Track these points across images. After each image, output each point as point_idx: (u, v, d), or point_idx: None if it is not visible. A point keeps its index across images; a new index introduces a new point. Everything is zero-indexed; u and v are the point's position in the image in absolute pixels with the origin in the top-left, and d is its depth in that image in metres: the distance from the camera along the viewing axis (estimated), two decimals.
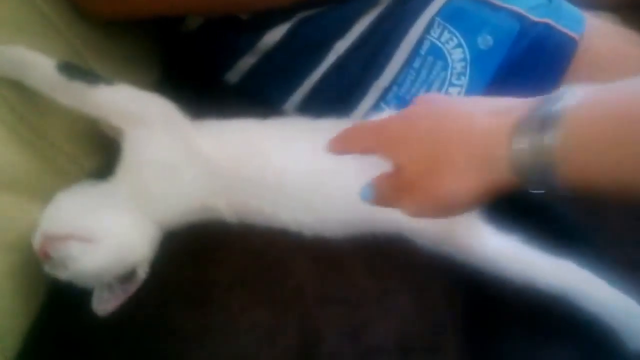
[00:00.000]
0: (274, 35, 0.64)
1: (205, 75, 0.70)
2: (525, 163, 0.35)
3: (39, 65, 0.48)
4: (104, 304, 0.47)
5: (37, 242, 0.46)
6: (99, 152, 0.57)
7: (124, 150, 0.51)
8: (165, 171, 0.51)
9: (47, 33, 0.56)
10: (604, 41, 0.65)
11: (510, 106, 0.37)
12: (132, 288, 0.48)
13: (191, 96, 0.60)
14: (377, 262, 0.51)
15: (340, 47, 0.64)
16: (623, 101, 0.33)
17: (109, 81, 0.50)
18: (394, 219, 0.48)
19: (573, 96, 0.35)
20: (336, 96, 0.65)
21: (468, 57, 0.62)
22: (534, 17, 0.63)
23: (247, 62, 0.67)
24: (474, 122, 0.38)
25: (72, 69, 0.49)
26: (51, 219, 0.48)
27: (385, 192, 0.42)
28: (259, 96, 0.68)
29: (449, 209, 0.39)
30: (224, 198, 0.52)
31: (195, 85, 0.68)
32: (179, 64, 0.74)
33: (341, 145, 0.45)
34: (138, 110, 0.51)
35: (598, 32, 0.66)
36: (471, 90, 0.62)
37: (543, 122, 0.34)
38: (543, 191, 0.35)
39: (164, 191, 0.51)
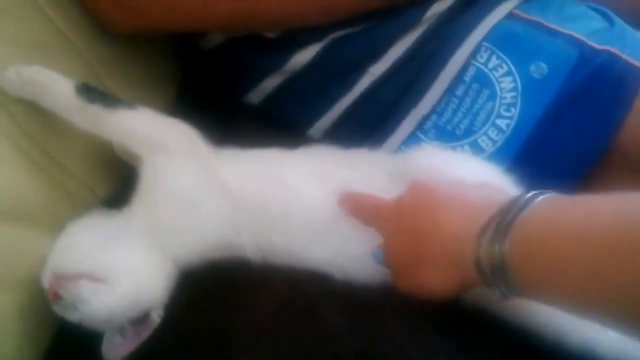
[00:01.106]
0: (304, 56, 0.68)
1: (225, 94, 0.74)
2: (484, 267, 0.43)
3: (56, 87, 0.53)
4: (114, 349, 0.51)
5: (46, 281, 0.50)
6: (113, 178, 0.62)
7: (141, 178, 0.55)
8: (184, 203, 0.55)
9: (64, 50, 0.61)
10: None
11: (484, 209, 0.45)
12: (145, 333, 0.51)
13: (209, 116, 0.65)
14: (416, 312, 0.53)
15: (376, 70, 0.67)
16: (580, 220, 0.40)
17: (128, 105, 0.54)
18: None
19: (534, 205, 0.43)
20: (368, 124, 0.68)
21: (519, 86, 0.65)
22: (595, 44, 0.66)
23: (271, 83, 0.71)
24: (451, 222, 0.47)
25: (91, 91, 0.53)
26: (61, 254, 0.51)
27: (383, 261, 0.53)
28: (282, 120, 0.72)
29: (429, 295, 0.49)
30: (247, 234, 0.55)
31: (214, 105, 0.73)
32: (198, 81, 0.79)
33: (347, 207, 0.55)
34: (158, 137, 0.55)
35: None
36: (521, 124, 0.65)
37: (499, 231, 0.43)
38: (506, 294, 0.43)
39: (182, 224, 0.55)
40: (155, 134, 0.55)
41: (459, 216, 0.47)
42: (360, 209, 0.55)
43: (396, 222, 0.51)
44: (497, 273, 0.42)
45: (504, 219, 0.43)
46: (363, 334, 0.52)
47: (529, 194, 0.44)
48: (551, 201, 0.44)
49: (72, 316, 0.49)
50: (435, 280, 0.48)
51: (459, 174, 0.55)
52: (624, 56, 0.65)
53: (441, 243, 0.47)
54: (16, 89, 0.53)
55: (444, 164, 0.57)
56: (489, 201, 0.46)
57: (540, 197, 0.44)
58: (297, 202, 0.56)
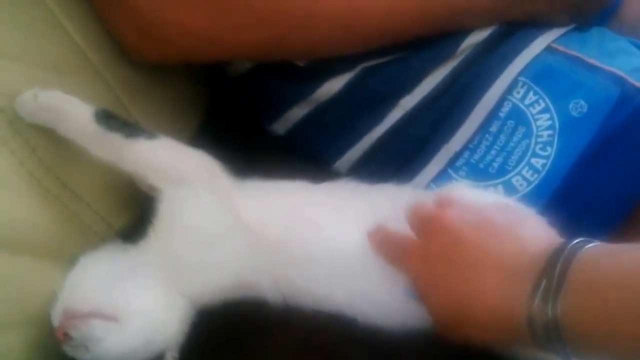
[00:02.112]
0: (333, 86, 0.66)
1: (251, 122, 0.73)
2: (538, 329, 0.42)
3: (75, 112, 0.51)
4: None
5: (56, 319, 0.47)
6: (129, 209, 0.60)
7: (159, 211, 0.53)
8: (202, 240, 0.53)
9: (84, 72, 0.60)
10: None
11: (526, 264, 0.44)
12: None
13: (234, 144, 0.64)
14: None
15: (407, 103, 0.65)
16: (634, 273, 0.40)
17: (149, 134, 0.52)
18: None
19: (581, 257, 0.42)
20: (397, 158, 0.66)
21: (556, 124, 0.63)
22: (636, 82, 0.63)
23: (298, 112, 0.69)
24: (492, 285, 0.45)
25: (110, 119, 0.51)
26: (73, 291, 0.49)
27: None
28: (308, 151, 0.70)
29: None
30: (267, 274, 0.53)
31: (239, 133, 0.72)
32: (223, 108, 0.77)
33: (375, 243, 0.53)
34: (179, 170, 0.53)
35: None
36: (558, 164, 0.62)
37: (549, 290, 0.41)
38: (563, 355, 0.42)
39: (199, 262, 0.52)
40: (176, 166, 0.53)
41: (503, 276, 0.45)
42: (389, 246, 0.52)
43: (424, 266, 0.49)
44: (552, 334, 0.41)
45: (552, 276, 0.41)
46: None
47: (573, 244, 0.43)
48: (598, 252, 0.42)
49: (83, 356, 0.48)
50: (484, 340, 0.47)
51: None
52: None
53: (486, 306, 0.45)
54: (32, 113, 0.51)
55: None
56: (533, 254, 0.44)
57: (587, 247, 0.42)
58: (320, 241, 0.53)
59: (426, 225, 0.51)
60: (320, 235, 0.54)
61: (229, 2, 0.59)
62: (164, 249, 0.53)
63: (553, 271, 0.42)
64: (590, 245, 0.43)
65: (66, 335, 0.46)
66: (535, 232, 0.49)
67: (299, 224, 0.54)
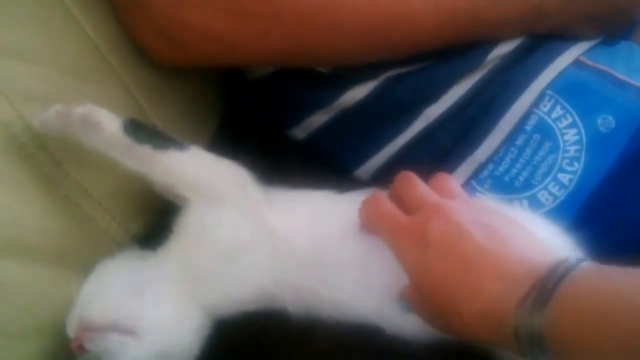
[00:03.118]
0: (357, 93, 0.65)
1: (269, 126, 0.71)
2: (522, 339, 0.42)
3: (103, 124, 0.49)
4: None
5: (72, 330, 0.46)
6: (146, 214, 0.58)
7: (185, 222, 0.52)
8: (229, 253, 0.51)
9: (103, 74, 0.59)
10: None
11: (526, 274, 0.44)
12: None
13: (252, 148, 0.62)
14: None
15: (432, 113, 0.64)
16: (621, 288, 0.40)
17: (179, 144, 0.51)
18: None
19: (575, 275, 0.42)
20: (420, 168, 0.63)
21: (584, 139, 0.62)
22: None
23: (319, 119, 0.68)
24: (492, 289, 0.45)
25: (138, 130, 0.50)
26: (89, 301, 0.48)
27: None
28: (329, 157, 0.69)
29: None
30: (291, 286, 0.51)
31: (257, 137, 0.70)
32: (241, 111, 0.76)
33: (366, 211, 0.53)
34: (211, 182, 0.52)
35: None
36: (585, 179, 0.61)
37: (537, 302, 0.42)
38: None
39: (224, 274, 0.51)
40: (206, 179, 0.52)
41: (500, 280, 0.45)
42: (381, 217, 0.52)
43: (418, 247, 0.48)
44: (535, 344, 0.42)
45: (544, 289, 0.42)
46: None
47: (572, 261, 0.43)
48: (594, 270, 0.43)
49: None
50: (464, 334, 0.47)
51: None
52: None
53: (477, 305, 0.45)
54: (56, 127, 0.49)
55: None
56: (531, 264, 0.45)
57: (584, 264, 0.43)
58: (344, 252, 0.52)
59: (426, 206, 0.50)
60: (345, 246, 0.53)
61: (253, 7, 0.57)
62: (187, 260, 0.51)
63: (545, 283, 0.42)
64: (588, 263, 0.43)
65: (82, 348, 0.45)
66: (535, 244, 0.49)
67: (325, 236, 0.53)
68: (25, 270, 0.47)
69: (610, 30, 0.68)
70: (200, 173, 0.52)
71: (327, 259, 0.52)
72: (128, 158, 0.50)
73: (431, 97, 0.64)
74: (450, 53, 0.64)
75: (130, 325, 0.47)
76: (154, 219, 0.58)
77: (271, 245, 0.52)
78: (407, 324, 0.50)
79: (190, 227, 0.51)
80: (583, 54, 0.65)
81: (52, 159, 0.51)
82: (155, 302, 0.49)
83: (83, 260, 0.51)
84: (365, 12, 0.59)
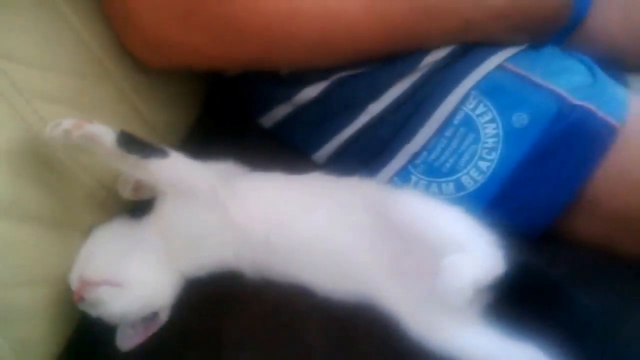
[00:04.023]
0: (311, 92, 0.75)
1: (242, 116, 0.82)
2: None
3: (100, 138, 0.59)
4: (127, 341, 0.60)
5: (74, 284, 0.59)
6: None
7: (161, 207, 0.64)
8: (195, 236, 0.63)
9: (101, 77, 0.70)
10: None
11: None
12: (153, 329, 0.61)
13: (228, 134, 0.73)
14: (385, 334, 0.59)
15: (374, 109, 0.73)
16: None
17: (161, 153, 0.62)
18: (389, 300, 0.60)
19: None
20: (365, 154, 0.74)
21: (501, 133, 0.70)
22: (574, 100, 0.70)
23: (281, 111, 0.78)
24: None
25: (129, 142, 0.60)
26: (87, 261, 0.61)
27: None
28: (291, 143, 0.79)
29: None
30: (248, 259, 0.63)
31: (232, 125, 0.81)
32: (218, 104, 0.87)
33: None
34: (184, 184, 0.63)
35: None
36: (500, 167, 0.70)
37: None
38: None
39: (191, 250, 0.64)
40: (181, 180, 0.63)
41: None
42: None
43: None
44: None
45: None
46: (337, 352, 0.60)
47: None
48: None
49: (93, 313, 0.59)
50: None
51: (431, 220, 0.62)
52: (600, 113, 0.69)
53: None
54: (61, 141, 0.58)
55: (419, 208, 0.63)
56: None
57: None
58: (292, 233, 0.63)
59: None
60: (294, 229, 0.64)
61: (223, 25, 0.68)
62: (163, 237, 0.63)
63: None
64: None
65: (81, 298, 0.58)
66: None
67: (277, 220, 0.64)
68: (35, 233, 0.60)
69: (536, 38, 0.77)
70: (177, 176, 0.63)
71: (278, 239, 0.63)
72: (120, 164, 0.61)
73: (374, 96, 0.73)
74: (390, 59, 0.73)
75: (118, 280, 0.59)
76: None
77: (232, 231, 0.63)
78: (343, 289, 0.61)
79: (166, 212, 0.63)
80: (506, 59, 0.73)
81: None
82: (139, 264, 0.62)
83: (83, 226, 0.63)
84: (313, 32, 0.69)
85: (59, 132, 0.57)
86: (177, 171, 0.63)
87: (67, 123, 0.57)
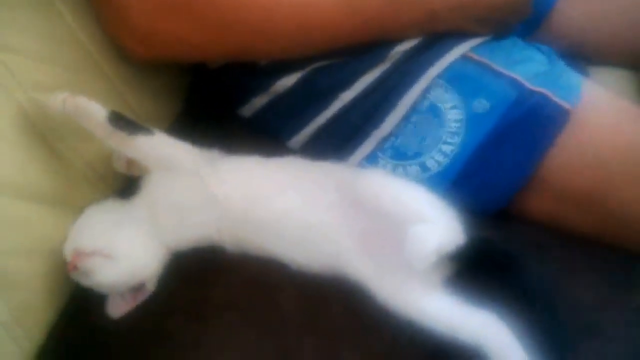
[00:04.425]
0: (287, 81, 0.81)
1: (223, 106, 0.87)
2: None
3: (94, 114, 0.65)
4: (116, 309, 0.65)
5: (67, 254, 0.64)
6: (125, 176, 0.76)
7: (148, 184, 0.69)
8: (180, 210, 0.69)
9: (91, 69, 0.76)
10: (600, 113, 0.77)
11: None
12: (141, 298, 0.66)
13: (210, 123, 0.78)
14: (356, 302, 0.64)
15: (345, 97, 0.79)
16: None
17: (147, 131, 0.68)
18: (359, 272, 0.65)
19: None
20: (337, 140, 0.80)
21: (463, 118, 0.76)
22: (531, 86, 0.75)
23: (260, 100, 0.84)
24: None
25: (118, 120, 0.66)
26: (80, 233, 0.66)
27: None
28: (268, 131, 0.85)
29: None
30: (228, 234, 0.69)
31: (214, 115, 0.86)
32: (202, 95, 0.93)
33: None
34: (168, 159, 0.69)
35: (596, 103, 0.78)
36: (462, 150, 0.75)
37: None
38: None
39: (177, 225, 0.69)
40: (165, 157, 0.69)
41: None
42: None
43: None
44: None
45: None
46: (311, 315, 0.65)
47: None
48: None
49: (85, 282, 0.64)
50: None
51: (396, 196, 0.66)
52: (555, 98, 0.75)
53: None
54: (59, 111, 0.65)
55: (385, 186, 0.68)
56: None
57: None
58: (269, 210, 0.68)
59: None
60: (270, 206, 0.69)
61: (210, 21, 0.74)
62: (150, 212, 0.69)
63: None
64: None
65: (75, 268, 0.63)
66: None
67: (255, 197, 0.69)
68: (34, 209, 0.66)
69: (500, 30, 0.82)
70: (161, 152, 0.68)
71: (255, 216, 0.68)
72: (109, 140, 0.67)
73: (345, 85, 0.79)
74: (361, 50, 0.78)
75: (109, 252, 0.64)
76: (130, 180, 0.74)
77: (213, 207, 0.68)
78: (316, 262, 0.66)
79: (153, 190, 0.69)
80: (470, 49, 0.79)
81: (54, 130, 0.69)
82: (128, 237, 0.67)
83: (76, 206, 0.69)
84: (290, 26, 0.75)
85: (58, 101, 0.64)
86: (162, 147, 0.69)
87: (67, 94, 0.64)
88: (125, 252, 0.65)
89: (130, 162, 0.72)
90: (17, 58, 0.67)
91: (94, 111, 0.65)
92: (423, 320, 0.61)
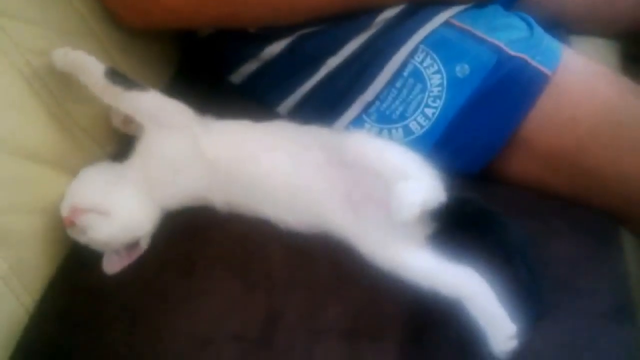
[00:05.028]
0: (276, 48, 0.83)
1: (213, 74, 0.90)
2: None
3: (92, 69, 0.69)
4: (111, 265, 0.68)
5: (64, 210, 0.67)
6: (119, 140, 0.80)
7: (141, 142, 0.72)
8: (172, 167, 0.71)
9: (87, 36, 0.78)
10: (577, 77, 0.80)
11: None
12: (135, 255, 0.69)
13: (201, 90, 0.81)
14: (340, 258, 0.67)
15: (332, 62, 0.81)
16: None
17: (142, 87, 0.71)
18: (344, 229, 0.67)
19: None
20: (324, 105, 0.83)
21: (445, 82, 0.78)
22: (511, 51, 0.78)
23: (249, 67, 0.86)
24: None
25: (115, 75, 0.69)
26: (77, 192, 0.69)
27: None
28: (257, 97, 0.87)
29: None
30: (218, 193, 0.71)
31: (205, 82, 0.89)
32: (192, 62, 0.95)
33: None
34: (162, 115, 0.72)
35: (573, 67, 0.80)
36: (444, 113, 0.78)
37: None
38: None
39: (169, 183, 0.71)
40: (159, 112, 0.71)
41: None
42: None
43: None
44: None
45: None
46: (296, 269, 0.68)
47: None
48: None
49: (81, 239, 0.67)
50: None
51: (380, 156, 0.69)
52: (534, 63, 0.77)
53: None
54: (61, 65, 0.69)
55: (370, 146, 0.71)
56: None
57: None
58: (257, 171, 0.71)
59: None
60: (258, 166, 0.71)
61: None
62: (143, 170, 0.71)
63: None
64: None
65: (71, 223, 0.66)
66: None
67: (245, 157, 0.72)
68: (33, 169, 0.68)
69: None
70: (155, 108, 0.71)
71: (244, 176, 0.70)
72: (105, 95, 0.70)
73: (332, 51, 0.81)
74: (347, 17, 0.80)
75: (105, 209, 0.67)
76: (124, 144, 0.77)
77: (204, 164, 0.71)
78: (302, 221, 0.69)
79: (146, 146, 0.71)
80: (452, 16, 0.81)
81: (52, 95, 0.71)
82: (123, 196, 0.69)
83: (73, 168, 0.72)
84: None
85: (60, 54, 0.67)
86: (156, 103, 0.71)
87: (68, 48, 0.68)
88: (120, 210, 0.68)
89: (126, 120, 0.75)
90: (12, 22, 0.70)
91: (92, 65, 0.69)
92: (405, 274, 0.64)
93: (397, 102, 0.80)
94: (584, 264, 0.71)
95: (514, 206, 0.75)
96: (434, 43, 0.80)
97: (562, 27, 1.01)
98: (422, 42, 0.80)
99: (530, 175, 0.80)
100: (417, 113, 0.79)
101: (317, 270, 0.68)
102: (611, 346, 0.64)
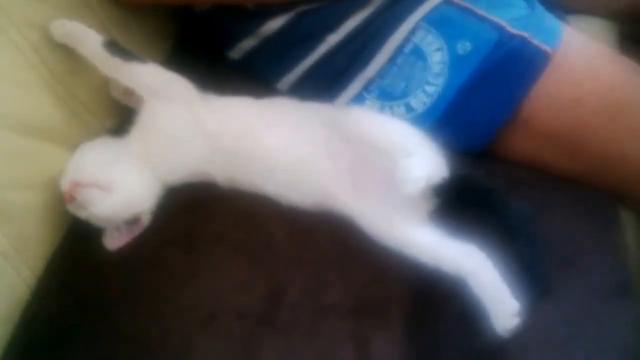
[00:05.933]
0: (275, 24, 0.83)
1: (212, 49, 0.89)
2: None
3: (90, 39, 0.69)
4: (113, 241, 0.68)
5: (64, 185, 0.67)
6: (118, 115, 0.79)
7: (141, 115, 0.71)
8: (173, 141, 0.71)
9: (85, 12, 0.77)
10: (578, 56, 0.80)
11: None
12: (137, 231, 0.69)
13: (199, 66, 0.80)
14: (343, 235, 0.67)
15: (332, 39, 0.81)
16: None
17: (141, 59, 0.70)
18: (346, 205, 0.68)
19: None
20: (324, 82, 0.83)
21: (447, 60, 0.79)
22: (513, 30, 0.78)
23: (248, 43, 0.86)
24: None
25: (114, 47, 0.69)
26: (77, 167, 0.68)
27: None
28: (256, 73, 0.87)
29: None
30: (219, 168, 0.71)
31: (203, 58, 0.88)
32: (190, 38, 0.95)
33: None
34: (161, 87, 0.71)
35: (575, 46, 0.81)
36: (446, 90, 0.78)
37: None
38: None
39: (170, 156, 0.71)
40: (158, 84, 0.71)
41: None
42: None
43: None
44: None
45: None
46: (299, 246, 0.68)
47: None
48: None
49: (81, 214, 0.67)
50: None
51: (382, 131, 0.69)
52: (535, 41, 0.78)
53: None
54: (60, 36, 0.69)
55: (372, 122, 0.72)
56: None
57: None
58: (258, 146, 0.71)
59: None
60: (259, 142, 0.71)
61: None
62: (144, 144, 0.71)
63: None
64: None
65: (71, 198, 0.66)
66: None
67: (245, 133, 0.71)
68: (34, 145, 0.68)
69: None
70: (154, 80, 0.71)
71: (245, 151, 0.70)
72: (104, 66, 0.69)
73: (332, 27, 0.81)
74: None
75: (106, 184, 0.67)
76: (123, 119, 0.77)
77: (204, 138, 0.71)
78: (305, 197, 0.69)
79: (146, 119, 0.71)
80: None
81: (50, 70, 0.71)
82: (123, 170, 0.69)
83: (72, 143, 0.71)
84: None
85: (59, 24, 0.68)
86: (155, 75, 0.71)
87: (66, 20, 0.68)
88: (121, 185, 0.68)
89: (126, 92, 0.75)
90: None
91: (90, 36, 0.69)
92: (408, 251, 0.64)
93: (398, 79, 0.81)
94: (584, 241, 0.72)
95: (514, 184, 0.76)
96: (435, 20, 0.80)
97: (560, 6, 1.02)
98: (422, 19, 0.80)
99: (531, 154, 0.80)
100: (418, 90, 0.80)
101: (321, 247, 0.68)
102: (612, 322, 0.65)
